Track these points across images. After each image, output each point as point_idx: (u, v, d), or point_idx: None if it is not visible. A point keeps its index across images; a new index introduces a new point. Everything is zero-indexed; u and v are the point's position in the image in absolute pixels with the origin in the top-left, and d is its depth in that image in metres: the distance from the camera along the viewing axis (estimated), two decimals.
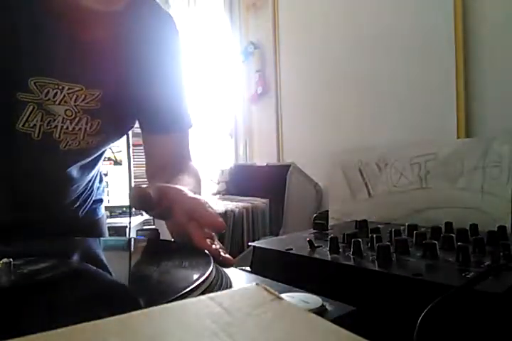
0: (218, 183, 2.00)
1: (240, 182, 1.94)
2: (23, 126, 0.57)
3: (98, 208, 0.85)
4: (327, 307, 0.29)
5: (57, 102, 0.58)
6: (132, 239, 0.54)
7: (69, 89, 0.58)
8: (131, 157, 2.27)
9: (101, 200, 0.87)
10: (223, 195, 1.96)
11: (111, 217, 2.24)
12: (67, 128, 0.61)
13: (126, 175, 2.24)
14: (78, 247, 0.50)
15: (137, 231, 2.27)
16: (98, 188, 0.85)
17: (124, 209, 2.28)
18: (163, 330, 0.19)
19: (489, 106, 1.16)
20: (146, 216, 2.48)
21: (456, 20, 1.21)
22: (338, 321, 0.20)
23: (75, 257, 0.44)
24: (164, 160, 0.70)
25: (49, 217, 0.71)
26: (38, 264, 0.36)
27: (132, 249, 0.51)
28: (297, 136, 1.86)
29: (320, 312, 0.28)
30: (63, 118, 0.60)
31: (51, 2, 0.53)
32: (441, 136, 1.23)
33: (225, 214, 1.58)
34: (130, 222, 2.16)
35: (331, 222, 0.91)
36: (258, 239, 0.64)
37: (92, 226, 0.82)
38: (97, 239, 0.59)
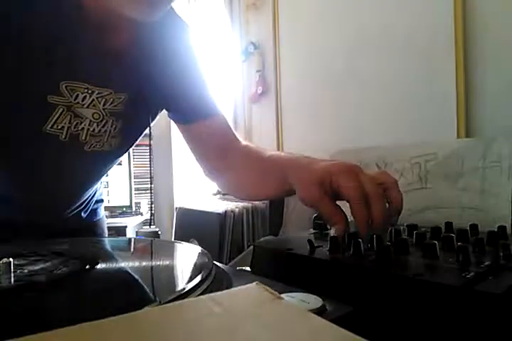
0: None
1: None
2: (51, 127, 0.59)
3: (99, 208, 0.87)
4: (327, 307, 0.29)
5: (85, 105, 0.60)
6: (132, 239, 0.54)
7: (98, 93, 0.60)
8: (132, 157, 2.27)
9: (101, 200, 0.88)
10: (223, 195, 1.96)
11: (111, 217, 2.24)
12: (94, 130, 0.63)
13: (126, 175, 2.24)
14: (78, 247, 0.50)
15: (137, 231, 2.27)
16: (99, 188, 0.87)
17: (124, 209, 2.28)
18: (164, 330, 0.19)
19: (489, 106, 1.16)
20: (146, 216, 2.48)
21: (456, 20, 1.21)
22: (338, 321, 0.20)
23: (74, 257, 0.44)
24: (222, 142, 0.72)
25: (58, 217, 0.73)
26: (37, 264, 0.36)
27: (131, 248, 0.51)
28: (297, 135, 1.86)
29: (320, 312, 0.28)
30: (90, 120, 0.62)
31: (88, 11, 0.55)
32: (441, 136, 1.23)
33: (224, 214, 1.58)
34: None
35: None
36: (258, 239, 0.64)
37: (93, 227, 0.84)
38: (94, 239, 0.59)
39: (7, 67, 0.53)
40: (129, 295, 0.33)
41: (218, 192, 1.98)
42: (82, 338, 0.18)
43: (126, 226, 2.09)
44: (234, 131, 0.75)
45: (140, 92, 0.65)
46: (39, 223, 0.67)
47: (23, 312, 0.28)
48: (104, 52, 0.59)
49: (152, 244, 0.52)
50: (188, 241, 1.55)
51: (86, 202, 0.80)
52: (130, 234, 2.10)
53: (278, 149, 1.94)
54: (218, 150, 0.72)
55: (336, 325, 0.20)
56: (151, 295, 0.32)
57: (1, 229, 0.62)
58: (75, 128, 0.61)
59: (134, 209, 2.30)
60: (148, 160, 2.57)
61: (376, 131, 1.45)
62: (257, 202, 1.71)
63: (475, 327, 0.34)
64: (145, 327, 0.20)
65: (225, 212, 1.59)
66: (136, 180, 2.45)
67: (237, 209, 1.63)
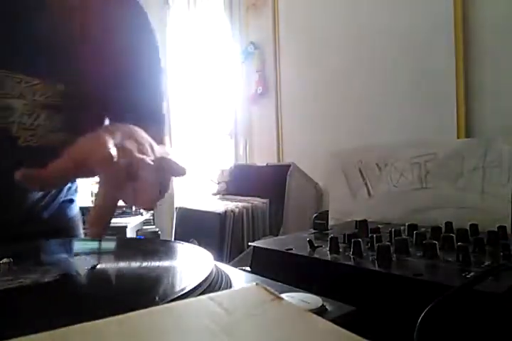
0: (218, 183, 2.00)
1: (239, 182, 1.94)
2: None
3: (69, 208, 0.79)
4: (327, 307, 0.29)
5: (15, 96, 0.55)
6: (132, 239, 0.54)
7: (26, 82, 0.55)
8: None
9: (71, 200, 0.81)
10: (223, 195, 1.96)
11: None
12: (25, 123, 0.57)
13: None
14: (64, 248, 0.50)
15: (137, 231, 2.27)
16: (69, 188, 0.79)
17: (124, 209, 2.28)
18: (163, 330, 0.19)
19: (489, 107, 1.16)
20: (146, 216, 2.48)
21: (456, 21, 1.21)
22: (338, 321, 0.20)
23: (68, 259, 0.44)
24: None
25: (7, 218, 0.65)
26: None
27: (132, 249, 0.51)
28: (297, 136, 1.85)
29: (320, 312, 0.28)
30: (21, 113, 0.56)
31: None
32: (441, 136, 1.23)
33: (224, 214, 1.58)
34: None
35: (331, 222, 0.90)
36: (258, 239, 0.64)
37: (62, 228, 0.76)
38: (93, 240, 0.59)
39: None
40: (129, 295, 0.33)
41: (218, 192, 1.98)
42: (81, 338, 0.18)
43: (126, 226, 2.09)
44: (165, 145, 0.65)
45: (80, 85, 0.58)
46: None
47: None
48: (31, 38, 0.53)
49: (152, 243, 0.52)
50: (188, 241, 1.55)
51: (45, 202, 0.72)
52: (130, 234, 2.10)
53: (278, 149, 1.94)
54: None
55: (336, 325, 0.20)
56: (151, 295, 0.32)
57: None
58: (4, 120, 0.56)
59: (134, 209, 2.30)
60: None
61: (376, 131, 1.45)
62: (257, 202, 1.71)
63: (475, 327, 0.34)
64: (145, 327, 0.20)
65: (225, 212, 1.59)
66: None
67: (237, 209, 1.63)
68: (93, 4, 0.57)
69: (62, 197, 0.77)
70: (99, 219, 0.35)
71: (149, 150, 0.42)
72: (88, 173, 0.39)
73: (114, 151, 0.36)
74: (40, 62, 0.55)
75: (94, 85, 0.59)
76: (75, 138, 0.62)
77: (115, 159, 0.35)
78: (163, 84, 0.67)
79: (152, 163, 0.38)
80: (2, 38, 0.52)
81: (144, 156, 0.39)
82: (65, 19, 0.56)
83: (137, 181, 0.36)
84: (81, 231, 0.82)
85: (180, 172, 0.41)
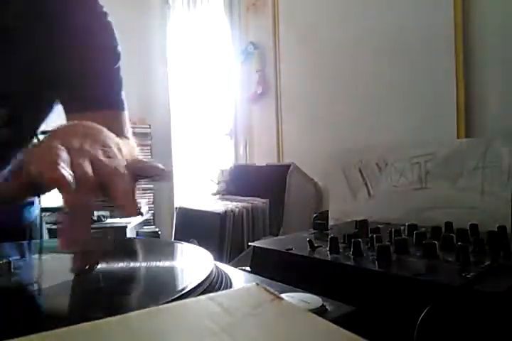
0: (218, 183, 2.00)
1: (240, 182, 1.94)
2: None
3: (27, 212, 0.75)
4: (327, 307, 0.29)
5: None
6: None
7: None
8: None
9: (31, 203, 0.76)
10: (223, 195, 1.96)
11: (111, 217, 2.24)
12: None
13: None
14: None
15: (137, 231, 2.27)
16: None
17: None
18: (163, 330, 0.19)
19: (489, 107, 1.16)
20: (146, 216, 2.48)
21: (456, 21, 1.21)
22: (338, 321, 0.20)
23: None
24: None
25: None
26: None
27: (132, 249, 0.51)
28: (297, 136, 1.85)
29: (320, 312, 0.28)
30: None
31: None
32: (441, 136, 1.23)
33: (224, 214, 1.58)
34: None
35: (331, 222, 0.90)
36: (258, 239, 0.64)
37: (19, 231, 0.70)
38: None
39: None
40: (129, 295, 0.33)
41: (218, 192, 1.98)
42: (82, 338, 0.18)
43: (126, 227, 2.09)
44: (125, 131, 0.62)
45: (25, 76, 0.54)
46: None
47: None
48: None
49: (152, 244, 0.52)
50: (188, 241, 1.55)
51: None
52: (130, 234, 2.10)
53: (278, 149, 1.95)
54: None
55: (336, 325, 0.20)
56: (151, 295, 0.32)
57: None
58: None
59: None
60: (148, 160, 2.57)
61: (376, 131, 1.45)
62: (257, 202, 1.71)
63: (475, 327, 0.34)
64: (145, 327, 0.20)
65: (225, 212, 1.59)
66: None
67: (237, 209, 1.63)
68: None
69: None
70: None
71: (117, 153, 0.36)
72: (43, 191, 0.35)
73: (65, 171, 0.29)
74: None
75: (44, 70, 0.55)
76: (19, 136, 0.58)
77: (68, 179, 0.29)
78: (118, 69, 0.62)
79: (124, 172, 0.34)
80: None
81: (113, 164, 0.34)
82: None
83: (111, 191, 0.32)
84: (43, 233, 0.78)
85: (157, 173, 0.38)
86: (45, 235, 0.80)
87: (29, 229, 0.72)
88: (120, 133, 0.56)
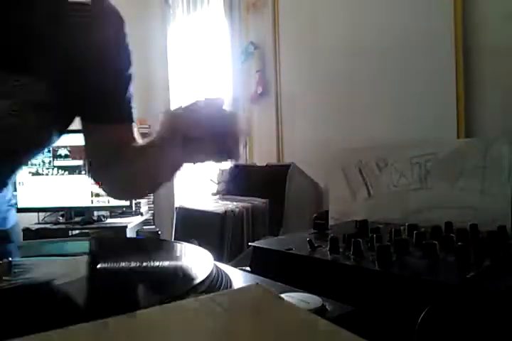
0: (218, 183, 2.00)
1: (240, 182, 1.94)
2: None
3: (11, 214, 0.75)
4: (327, 307, 0.29)
5: None
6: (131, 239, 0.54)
7: (15, 81, 0.54)
8: None
9: (12, 205, 0.77)
10: (223, 195, 1.96)
11: (111, 217, 2.24)
12: (9, 124, 0.55)
13: None
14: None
15: (137, 231, 2.27)
16: (7, 194, 0.74)
17: (124, 209, 2.27)
18: (164, 330, 0.19)
19: (489, 107, 1.16)
20: (146, 216, 2.48)
21: (456, 21, 1.21)
22: (338, 321, 0.20)
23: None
24: (115, 147, 0.64)
25: None
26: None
27: (132, 249, 0.51)
28: (297, 136, 1.85)
29: (320, 312, 0.28)
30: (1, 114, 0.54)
31: None
32: (441, 136, 1.23)
33: (224, 214, 1.58)
34: None
35: (331, 222, 0.90)
36: (258, 239, 0.64)
37: (7, 235, 0.72)
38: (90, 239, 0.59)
39: None
40: (129, 295, 0.33)
41: (218, 192, 1.98)
42: (82, 338, 0.18)
43: (126, 226, 2.09)
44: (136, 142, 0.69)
45: (64, 79, 0.58)
46: None
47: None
48: (12, 39, 0.53)
49: (151, 243, 0.52)
50: (188, 241, 1.55)
51: None
52: (130, 234, 2.10)
53: (278, 149, 1.95)
54: (112, 152, 0.65)
55: (336, 325, 0.20)
56: (151, 295, 0.32)
57: None
58: None
59: (134, 209, 2.30)
60: None
61: (376, 131, 1.45)
62: (257, 202, 1.71)
63: (475, 326, 0.34)
64: (145, 327, 0.20)
65: (225, 212, 1.59)
66: None
67: (237, 209, 1.63)
68: (76, 13, 0.58)
69: (6, 203, 0.74)
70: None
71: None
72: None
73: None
74: (26, 61, 0.55)
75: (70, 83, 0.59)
76: (50, 137, 0.62)
77: None
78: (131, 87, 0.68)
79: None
80: None
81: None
82: (51, 23, 0.56)
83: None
84: (20, 236, 0.80)
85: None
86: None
87: (11, 233, 0.73)
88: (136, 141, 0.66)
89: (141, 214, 2.40)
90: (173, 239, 1.83)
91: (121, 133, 0.65)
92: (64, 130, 0.66)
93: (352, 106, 1.56)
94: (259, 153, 2.11)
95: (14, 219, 0.76)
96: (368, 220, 0.69)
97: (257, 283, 0.24)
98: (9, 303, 0.30)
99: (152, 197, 2.68)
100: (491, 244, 0.51)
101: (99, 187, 0.74)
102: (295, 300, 0.29)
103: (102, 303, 0.30)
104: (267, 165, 1.84)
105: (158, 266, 0.38)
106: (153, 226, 2.54)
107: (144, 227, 2.41)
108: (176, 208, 1.90)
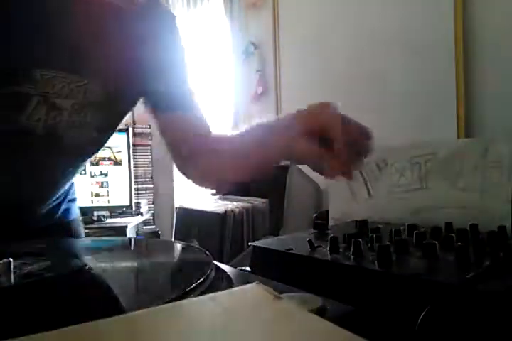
0: None
1: (240, 182, 1.94)
2: (27, 119, 0.56)
3: (73, 207, 0.82)
4: (327, 307, 0.29)
5: (63, 96, 0.57)
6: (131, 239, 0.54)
7: (77, 82, 0.58)
8: (131, 157, 2.27)
9: (75, 199, 0.84)
10: (223, 195, 1.96)
11: (111, 217, 2.24)
12: (73, 122, 0.60)
13: (126, 175, 2.24)
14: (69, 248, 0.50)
15: (137, 231, 2.27)
16: (73, 186, 0.82)
17: (124, 209, 2.27)
18: (163, 330, 0.19)
19: (489, 107, 1.16)
20: (146, 216, 2.48)
21: (456, 21, 1.21)
22: (338, 321, 0.20)
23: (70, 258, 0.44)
24: (201, 131, 0.71)
25: (32, 214, 0.69)
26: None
27: (131, 248, 0.51)
28: None
29: (320, 312, 0.28)
30: (69, 112, 0.59)
31: None
32: (441, 136, 1.23)
33: (224, 214, 1.58)
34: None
35: (331, 222, 0.90)
36: (258, 239, 0.64)
37: (67, 226, 0.79)
38: (89, 239, 0.59)
39: None
40: (129, 295, 0.33)
41: (218, 192, 1.98)
42: (82, 338, 0.18)
43: (126, 226, 2.09)
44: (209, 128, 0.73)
45: (118, 83, 0.62)
46: (12, 219, 0.62)
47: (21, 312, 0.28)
48: (79, 40, 0.56)
49: (152, 243, 0.52)
50: (188, 241, 1.55)
51: (60, 200, 0.76)
52: (130, 233, 2.10)
53: None
54: (202, 136, 0.70)
55: (336, 325, 0.20)
56: (151, 295, 0.32)
57: None
58: (52, 120, 0.58)
59: (134, 209, 2.30)
60: (148, 160, 2.57)
61: (376, 131, 1.45)
62: (257, 202, 1.71)
63: (475, 327, 0.34)
64: (145, 327, 0.20)
65: (225, 212, 1.59)
66: (136, 180, 2.45)
67: (237, 209, 1.63)
68: (135, 13, 0.62)
69: (70, 195, 0.80)
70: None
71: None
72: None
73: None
74: (90, 64, 0.59)
75: (132, 79, 0.64)
76: (107, 136, 0.70)
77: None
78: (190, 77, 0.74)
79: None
80: (56, 41, 0.55)
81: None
82: (115, 26, 0.60)
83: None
84: (82, 231, 0.84)
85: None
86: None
87: (71, 225, 0.80)
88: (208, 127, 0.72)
89: (141, 214, 2.40)
90: (173, 239, 1.83)
91: (194, 121, 0.70)
92: (116, 129, 0.71)
93: (352, 106, 1.56)
94: None
95: (76, 212, 0.83)
96: (367, 220, 0.69)
97: (257, 283, 0.24)
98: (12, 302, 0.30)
99: (152, 197, 2.68)
100: (491, 244, 0.51)
101: (186, 177, 0.79)
102: (295, 300, 0.29)
103: (101, 303, 0.30)
104: None
105: (158, 266, 0.38)
106: (154, 226, 2.54)
107: (144, 227, 2.41)
108: (176, 208, 1.90)
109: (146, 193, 2.63)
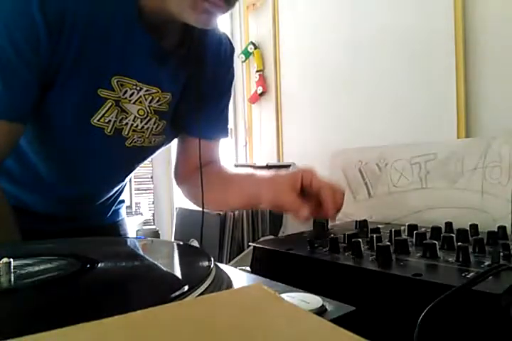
0: None
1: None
2: (98, 120, 0.61)
3: (121, 209, 0.89)
4: (327, 307, 0.29)
5: (132, 101, 0.63)
6: (133, 239, 0.54)
7: (146, 90, 0.63)
8: None
9: (123, 201, 0.91)
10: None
11: None
12: (137, 126, 0.65)
13: None
14: (84, 247, 0.50)
15: (137, 231, 2.27)
16: (123, 187, 0.89)
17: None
18: (163, 330, 0.19)
19: (489, 106, 1.16)
20: (146, 216, 2.48)
21: (456, 20, 1.21)
22: (338, 321, 0.20)
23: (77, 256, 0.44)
24: (204, 161, 0.75)
25: (86, 213, 0.76)
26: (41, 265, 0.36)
27: (131, 248, 0.51)
28: (297, 136, 1.85)
29: (320, 312, 0.28)
30: (135, 116, 0.64)
31: (146, 12, 0.58)
32: (441, 136, 1.23)
33: (224, 214, 1.58)
34: None
35: (330, 222, 0.91)
36: (258, 239, 0.64)
37: (116, 227, 0.86)
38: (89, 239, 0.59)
39: (70, 56, 0.55)
40: (129, 295, 0.33)
41: None
42: (82, 338, 0.18)
43: None
44: (219, 157, 0.82)
45: (182, 94, 0.68)
46: (65, 216, 0.69)
47: (23, 312, 0.28)
48: (156, 52, 0.62)
49: (152, 243, 0.52)
50: (188, 241, 1.55)
51: (111, 200, 0.83)
52: (130, 233, 2.10)
53: (278, 149, 1.95)
54: (201, 164, 0.74)
55: (336, 325, 0.20)
56: (150, 295, 0.32)
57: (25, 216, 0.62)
58: (120, 122, 0.63)
59: (134, 209, 2.30)
60: (148, 160, 2.57)
61: (376, 131, 1.45)
62: None
63: (475, 327, 0.34)
64: (145, 327, 0.20)
65: (225, 212, 1.59)
66: (136, 180, 2.45)
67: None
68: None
69: (120, 197, 0.88)
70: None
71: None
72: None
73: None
74: (160, 75, 0.65)
75: (190, 95, 0.70)
76: (166, 141, 0.75)
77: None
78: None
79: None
80: (132, 52, 0.60)
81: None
82: (185, 43, 0.66)
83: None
84: (127, 231, 0.92)
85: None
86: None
87: (119, 226, 0.88)
88: (219, 159, 0.81)
89: (141, 214, 2.40)
90: (173, 239, 1.83)
91: (212, 148, 0.77)
92: (173, 138, 0.78)
93: (352, 106, 1.56)
94: (259, 153, 2.11)
95: (123, 213, 0.91)
96: (367, 220, 0.69)
97: (257, 283, 0.24)
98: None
99: (152, 197, 2.68)
100: (491, 244, 0.51)
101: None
102: (295, 300, 0.29)
103: (101, 303, 0.30)
104: (267, 165, 1.84)
105: (158, 266, 0.38)
106: (154, 226, 2.54)
107: (144, 227, 2.41)
108: (176, 208, 1.90)
109: (146, 193, 2.63)
